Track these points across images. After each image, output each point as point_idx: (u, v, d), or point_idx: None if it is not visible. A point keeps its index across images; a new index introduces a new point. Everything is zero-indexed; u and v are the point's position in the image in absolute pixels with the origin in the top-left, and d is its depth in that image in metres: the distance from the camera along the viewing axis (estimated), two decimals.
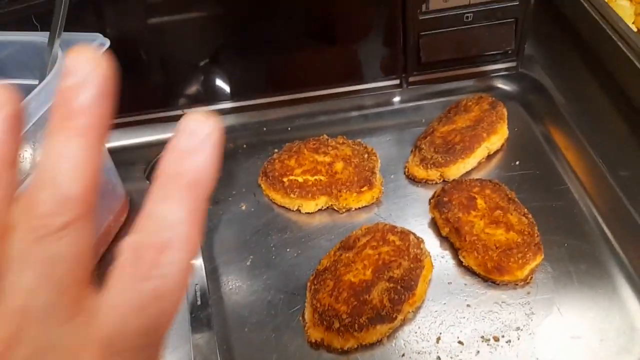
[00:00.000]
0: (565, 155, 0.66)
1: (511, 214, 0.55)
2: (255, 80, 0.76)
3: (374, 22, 0.70)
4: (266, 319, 0.54)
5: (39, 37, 0.53)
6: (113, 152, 0.76)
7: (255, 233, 0.63)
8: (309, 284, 0.54)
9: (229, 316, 0.55)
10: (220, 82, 0.77)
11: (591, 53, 0.70)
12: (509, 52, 0.72)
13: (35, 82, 0.52)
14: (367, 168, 0.64)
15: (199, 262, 0.57)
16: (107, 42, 0.52)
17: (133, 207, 0.68)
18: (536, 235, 0.53)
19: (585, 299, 0.51)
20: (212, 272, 0.59)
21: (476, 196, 0.57)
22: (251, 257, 0.60)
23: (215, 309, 0.55)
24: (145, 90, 0.76)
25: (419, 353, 0.49)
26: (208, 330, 0.50)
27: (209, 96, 0.77)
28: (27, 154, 0.51)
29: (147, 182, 0.68)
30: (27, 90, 0.50)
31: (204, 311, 0.52)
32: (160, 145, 0.76)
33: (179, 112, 0.77)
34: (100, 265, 0.61)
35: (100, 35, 0.52)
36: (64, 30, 0.50)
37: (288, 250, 0.60)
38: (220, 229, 0.64)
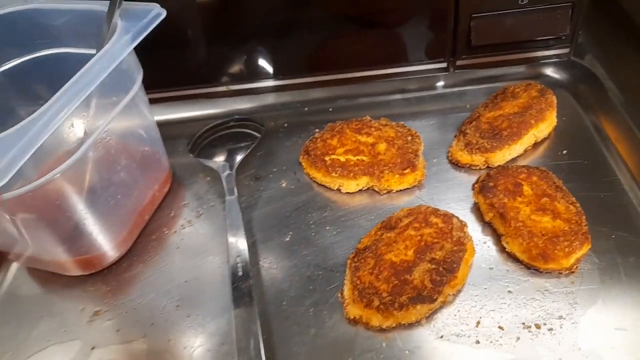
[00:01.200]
0: (617, 146, 0.64)
1: (558, 202, 0.54)
2: (297, 59, 0.76)
3: (425, 3, 0.68)
4: (304, 294, 0.54)
5: (96, 6, 0.54)
6: (159, 125, 0.78)
7: (295, 210, 0.63)
8: (349, 262, 0.54)
9: (267, 290, 0.55)
10: (262, 61, 0.77)
11: None
12: (563, 37, 0.70)
13: (92, 51, 0.53)
14: (410, 150, 0.63)
15: (240, 233, 0.57)
16: (164, 13, 0.53)
17: (175, 180, 0.70)
18: (584, 224, 0.52)
19: (632, 292, 0.50)
20: (252, 246, 0.60)
21: (523, 182, 0.56)
22: (290, 233, 0.61)
23: (255, 281, 0.56)
24: (191, 67, 0.76)
25: (457, 336, 0.49)
26: (249, 301, 0.51)
27: (251, 74, 0.77)
28: (80, 121, 0.52)
29: (190, 155, 0.69)
30: (81, 59, 0.52)
31: (245, 282, 0.52)
32: (203, 120, 0.78)
33: (222, 88, 0.77)
34: (145, 233, 0.63)
35: (158, 5, 0.53)
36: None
37: (327, 228, 0.60)
38: (260, 205, 0.65)
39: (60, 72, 0.57)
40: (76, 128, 0.49)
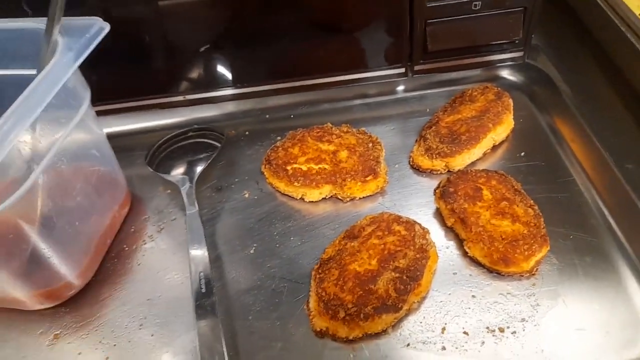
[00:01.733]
0: (571, 146, 0.65)
1: (517, 205, 0.55)
2: (257, 66, 0.75)
3: (380, 10, 0.68)
4: (270, 307, 0.54)
5: (32, 24, 0.51)
6: (114, 137, 0.75)
7: (259, 221, 0.62)
8: (313, 273, 0.54)
9: (232, 304, 0.54)
10: (222, 69, 0.75)
11: (598, 44, 0.69)
12: (516, 41, 0.71)
13: (32, 71, 0.50)
14: (371, 157, 0.63)
15: (202, 250, 0.56)
16: (107, 27, 0.50)
17: (135, 193, 0.68)
18: (542, 227, 0.53)
19: (591, 291, 0.51)
20: (216, 260, 0.58)
21: (482, 187, 0.57)
22: (254, 245, 0.60)
23: (219, 297, 0.55)
24: (146, 76, 0.74)
25: (424, 343, 0.49)
26: (213, 317, 0.50)
27: (210, 82, 0.76)
28: (27, 139, 0.50)
29: (148, 168, 0.67)
30: (17, 81, 0.49)
31: (209, 299, 0.51)
32: (161, 130, 0.76)
33: (180, 98, 0.76)
34: (105, 260, 0.60)
35: (99, 19, 0.51)
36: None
37: (292, 238, 0.60)
38: (223, 217, 0.63)
39: (3, 95, 0.54)
40: (22, 155, 0.46)
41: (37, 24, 0.51)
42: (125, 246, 0.62)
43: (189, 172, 0.66)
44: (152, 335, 0.53)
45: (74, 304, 0.57)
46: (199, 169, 0.66)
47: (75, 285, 0.56)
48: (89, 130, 0.57)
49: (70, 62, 0.48)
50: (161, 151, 0.70)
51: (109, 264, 0.60)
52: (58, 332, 0.54)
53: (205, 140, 0.72)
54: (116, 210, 0.61)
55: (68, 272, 0.54)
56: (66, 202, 0.52)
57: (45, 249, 0.51)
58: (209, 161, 0.67)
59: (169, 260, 0.60)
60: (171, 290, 0.56)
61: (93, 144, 0.58)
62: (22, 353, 0.53)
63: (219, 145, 0.70)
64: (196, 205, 0.61)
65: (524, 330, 0.48)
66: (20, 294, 0.52)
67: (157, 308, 0.55)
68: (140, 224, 0.64)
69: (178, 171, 0.67)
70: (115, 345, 0.53)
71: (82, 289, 0.58)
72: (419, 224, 0.55)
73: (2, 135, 0.40)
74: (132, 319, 0.55)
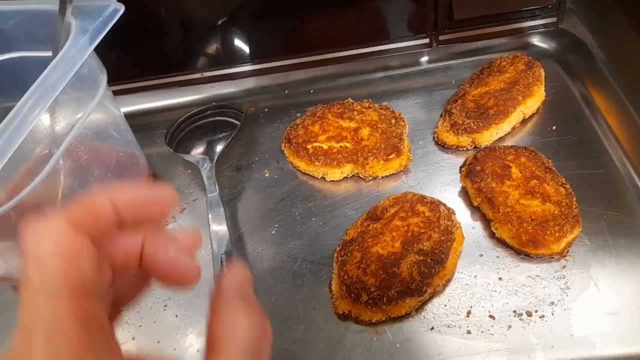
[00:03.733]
0: (607, 118, 0.62)
1: (548, 184, 0.53)
2: (275, 40, 0.73)
3: None
4: (292, 289, 0.53)
5: (47, 5, 0.50)
6: (134, 116, 0.75)
7: (280, 201, 0.62)
8: (335, 255, 0.53)
9: (254, 285, 0.53)
10: (239, 44, 0.73)
11: (635, 6, 0.64)
12: (549, 6, 0.67)
13: (48, 53, 0.49)
14: (394, 134, 0.61)
15: (223, 230, 0.56)
16: (122, 8, 0.49)
17: (156, 173, 0.67)
18: (574, 206, 0.51)
19: (623, 275, 0.49)
20: (237, 241, 0.58)
21: (511, 164, 0.55)
22: (276, 226, 0.59)
23: None
24: (163, 54, 0.73)
25: (448, 327, 0.48)
26: None
27: (228, 58, 0.74)
28: (46, 123, 0.50)
29: (168, 148, 0.66)
30: (38, 62, 0.48)
31: None
32: (180, 108, 0.75)
33: (197, 75, 0.74)
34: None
35: (114, 0, 0.49)
36: None
37: (313, 219, 0.59)
38: (244, 197, 0.63)
39: (19, 78, 0.54)
40: (40, 139, 0.46)
41: (53, 5, 0.50)
42: None
43: (208, 151, 0.66)
44: (176, 317, 0.53)
45: None
46: (219, 148, 0.65)
47: None
48: (107, 111, 0.56)
49: (86, 45, 0.47)
50: (180, 130, 0.69)
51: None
52: None
53: (225, 118, 0.70)
54: None
55: None
56: (85, 188, 0.52)
57: None
58: (228, 140, 0.66)
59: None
60: None
61: (112, 125, 0.57)
62: None
63: (238, 123, 0.68)
64: (216, 186, 0.60)
65: (552, 314, 0.47)
66: None
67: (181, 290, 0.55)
68: None
69: (198, 151, 0.67)
70: (140, 326, 0.53)
71: None
72: (444, 204, 0.54)
73: (21, 118, 0.40)
74: (157, 300, 0.55)
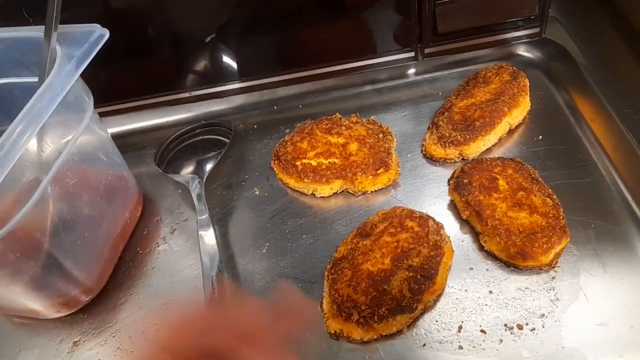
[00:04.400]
0: (592, 126, 0.62)
1: (535, 195, 0.53)
2: (263, 57, 0.73)
3: None
4: None
5: (33, 32, 0.50)
6: (123, 136, 0.75)
7: (270, 219, 0.62)
8: (326, 273, 0.53)
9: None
10: (228, 61, 0.74)
11: (620, 14, 0.65)
12: (532, 17, 0.67)
13: (34, 79, 0.50)
14: (382, 148, 0.61)
15: (214, 251, 0.56)
16: (107, 33, 0.49)
17: (147, 194, 0.67)
18: (561, 217, 0.51)
19: (614, 283, 0.49)
20: (228, 260, 0.58)
21: (498, 177, 0.55)
22: (267, 244, 0.59)
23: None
24: (152, 74, 0.73)
25: (440, 342, 0.48)
26: None
27: (217, 76, 0.74)
28: (33, 149, 0.50)
29: (158, 168, 0.66)
30: (25, 88, 0.49)
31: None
32: (169, 127, 0.75)
33: (186, 94, 0.74)
34: (120, 264, 0.61)
35: (98, 26, 0.50)
36: (60, 23, 0.48)
37: (304, 236, 0.59)
38: (234, 215, 0.63)
39: (5, 103, 0.54)
40: (27, 167, 0.46)
41: (38, 32, 0.50)
42: (139, 249, 0.62)
43: (198, 171, 0.66)
44: None
45: (92, 310, 0.57)
46: (208, 167, 0.66)
47: (90, 293, 0.57)
48: (94, 134, 0.56)
49: (71, 71, 0.47)
50: (170, 150, 0.69)
51: (124, 268, 0.61)
52: (77, 339, 0.55)
53: (214, 136, 0.71)
54: (127, 216, 0.61)
55: (81, 280, 0.55)
56: (74, 214, 0.52)
57: (57, 260, 0.51)
58: (218, 159, 0.66)
59: (183, 262, 0.60)
60: (186, 294, 0.57)
61: (100, 148, 0.58)
62: None
63: (227, 141, 0.69)
64: (206, 207, 0.60)
65: (543, 326, 0.47)
66: (37, 304, 0.53)
67: (172, 312, 0.55)
68: (152, 226, 0.64)
69: (188, 170, 0.67)
70: (132, 351, 0.53)
71: (100, 294, 0.58)
72: (433, 219, 0.54)
73: (8, 148, 0.40)
74: (149, 324, 0.55)
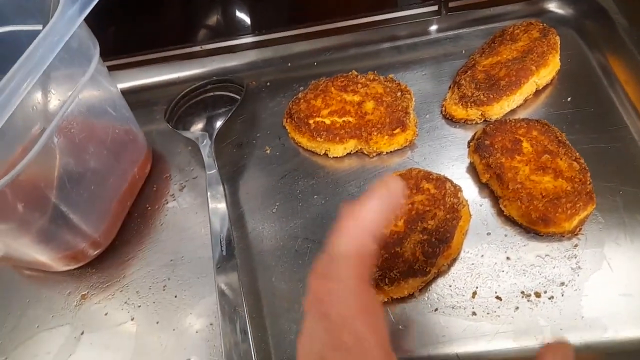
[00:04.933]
0: (626, 89, 0.58)
1: (561, 159, 0.50)
2: (277, 11, 0.70)
3: None
4: (294, 269, 0.52)
5: None
6: (133, 92, 0.73)
7: (281, 179, 0.60)
8: None
9: (255, 265, 0.53)
10: (240, 15, 0.71)
11: None
12: None
13: (39, 27, 0.48)
14: (399, 108, 0.58)
15: (222, 209, 0.54)
16: None
17: (156, 150, 0.66)
18: (588, 182, 0.48)
19: (639, 254, 0.46)
20: (238, 219, 0.57)
21: (522, 138, 0.52)
22: (277, 204, 0.57)
23: (242, 257, 0.54)
24: (163, 26, 0.71)
25: (453, 308, 0.46)
26: (234, 281, 0.49)
27: (229, 30, 0.71)
28: (39, 99, 0.48)
29: (168, 124, 0.65)
30: (32, 36, 0.47)
31: (229, 262, 0.50)
32: (180, 83, 0.73)
33: (197, 48, 0.72)
34: (128, 220, 0.60)
35: None
36: None
37: (315, 197, 0.57)
38: (244, 174, 0.61)
39: (11, 52, 0.52)
40: (35, 117, 0.45)
41: None
42: (148, 205, 0.61)
43: (208, 127, 0.64)
44: (175, 297, 0.53)
45: (100, 264, 0.57)
46: (218, 124, 0.64)
47: (98, 247, 0.56)
48: (101, 87, 0.54)
49: (75, 15, 0.45)
50: (180, 106, 0.67)
51: (133, 224, 0.60)
52: (85, 292, 0.55)
53: (225, 93, 0.68)
54: (135, 172, 0.60)
55: (88, 234, 0.54)
56: (80, 167, 0.51)
57: (64, 213, 0.50)
58: (228, 116, 0.64)
59: (191, 219, 0.59)
60: (194, 251, 0.56)
61: (107, 101, 0.56)
62: (52, 313, 0.54)
63: (238, 98, 0.66)
64: (215, 164, 0.59)
65: (562, 295, 0.45)
66: (45, 257, 0.53)
67: (180, 269, 0.55)
68: (162, 183, 0.63)
69: (197, 127, 0.65)
70: (140, 306, 0.53)
71: (108, 249, 0.58)
72: (450, 181, 0.51)
73: (8, 93, 0.39)
74: (156, 280, 0.54)
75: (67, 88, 0.49)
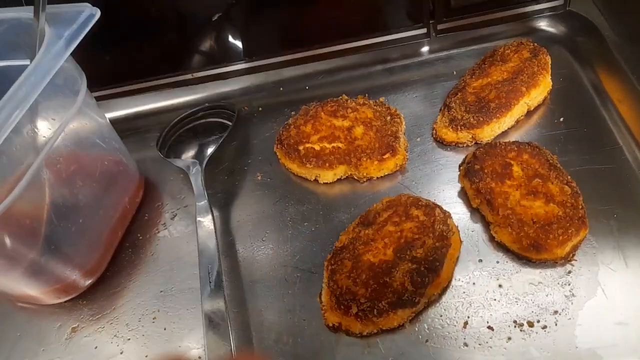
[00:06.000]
0: (619, 108, 0.57)
1: (552, 183, 0.49)
2: (268, 36, 0.70)
3: None
4: (284, 299, 0.51)
5: (25, 13, 0.49)
6: (125, 120, 0.74)
7: (272, 205, 0.59)
8: (326, 264, 0.50)
9: (245, 295, 0.52)
10: (232, 41, 0.71)
11: None
12: None
13: (27, 62, 0.48)
14: (389, 132, 0.58)
15: (212, 242, 0.54)
16: (97, 13, 0.47)
17: (149, 178, 0.66)
18: (580, 207, 0.47)
19: (636, 278, 0.45)
20: (229, 247, 0.57)
21: (512, 162, 0.51)
22: (267, 231, 0.57)
23: (232, 286, 0.53)
24: (154, 55, 0.71)
25: (444, 338, 0.45)
26: (222, 312, 0.48)
27: (221, 57, 0.72)
28: (27, 133, 0.48)
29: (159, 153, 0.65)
30: (21, 71, 0.47)
31: (217, 294, 0.49)
32: (174, 110, 0.73)
33: (189, 75, 0.72)
34: (119, 250, 0.60)
35: (89, 4, 0.48)
36: (49, 3, 0.46)
37: (305, 224, 0.57)
38: (236, 201, 0.61)
39: (1, 87, 0.53)
40: (20, 152, 0.45)
41: (29, 12, 0.48)
42: (139, 235, 0.61)
43: (199, 155, 0.64)
44: (164, 329, 0.52)
45: (91, 296, 0.57)
46: (209, 151, 0.63)
47: (88, 279, 0.56)
48: (89, 119, 0.55)
49: (60, 52, 0.46)
50: (172, 134, 0.68)
51: (124, 254, 0.60)
52: (75, 325, 0.55)
53: (217, 119, 0.68)
54: (127, 202, 0.60)
55: (79, 267, 0.54)
56: (68, 200, 0.51)
57: (54, 247, 0.50)
58: (219, 143, 0.64)
59: (183, 249, 0.58)
60: (184, 282, 0.55)
61: (96, 134, 0.56)
62: (42, 346, 0.54)
63: (230, 124, 0.66)
64: (205, 193, 0.58)
65: (556, 324, 0.44)
66: (34, 291, 0.52)
67: (170, 301, 0.54)
68: (153, 212, 0.63)
69: (189, 154, 0.65)
70: (129, 339, 0.52)
71: (99, 279, 0.57)
72: (440, 208, 0.50)
73: None
74: (146, 311, 0.54)
75: (54, 121, 0.49)
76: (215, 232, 0.55)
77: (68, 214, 0.51)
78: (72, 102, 0.51)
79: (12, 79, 0.54)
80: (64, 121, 0.50)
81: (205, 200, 0.57)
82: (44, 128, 0.48)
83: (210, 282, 0.50)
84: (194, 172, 0.60)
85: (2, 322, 0.57)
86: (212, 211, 0.57)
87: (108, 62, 0.70)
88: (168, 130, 0.67)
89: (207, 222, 0.55)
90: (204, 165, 0.61)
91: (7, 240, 0.47)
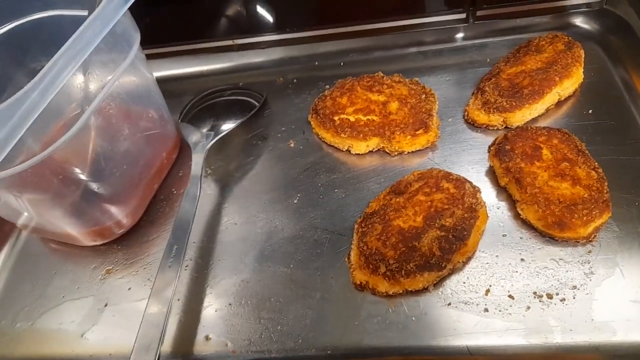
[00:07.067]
0: None
1: (579, 167, 0.51)
2: (306, 10, 0.72)
3: None
4: (312, 257, 0.54)
5: None
6: (164, 81, 0.75)
7: (304, 172, 0.62)
8: (356, 227, 0.53)
9: (275, 252, 0.55)
10: (269, 12, 0.73)
11: None
12: None
13: (83, 12, 0.50)
14: (423, 109, 0.60)
15: (185, 232, 0.53)
16: None
17: (183, 143, 0.68)
18: (605, 191, 0.49)
19: None
20: (262, 209, 0.59)
21: (542, 146, 0.53)
22: (298, 195, 0.59)
23: (262, 245, 0.55)
24: (195, 19, 0.73)
25: (465, 303, 0.48)
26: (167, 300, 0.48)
27: (258, 27, 0.74)
28: (79, 81, 0.51)
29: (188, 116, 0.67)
30: (75, 21, 0.49)
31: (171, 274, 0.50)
32: (207, 76, 0.76)
33: (228, 42, 0.74)
34: (154, 202, 0.62)
35: None
36: None
37: (336, 191, 0.59)
38: (267, 166, 0.63)
39: (56, 35, 0.55)
40: (74, 97, 0.47)
41: None
42: (173, 189, 0.63)
43: (216, 128, 0.65)
44: (196, 277, 0.55)
45: (125, 242, 0.59)
46: (229, 126, 0.64)
47: (124, 225, 0.58)
48: (139, 73, 0.57)
49: (120, 3, 0.47)
50: (200, 104, 0.69)
51: (158, 206, 0.62)
52: (110, 267, 0.57)
53: (245, 98, 0.70)
54: (164, 157, 0.62)
55: (117, 212, 0.56)
56: (115, 147, 0.54)
57: (95, 190, 0.53)
58: (241, 120, 0.66)
59: (215, 205, 0.61)
60: (215, 235, 0.58)
61: (144, 88, 0.58)
62: (77, 284, 0.57)
63: (257, 104, 0.68)
64: (203, 167, 0.59)
65: (574, 297, 0.46)
66: (74, 230, 0.55)
67: (202, 251, 0.57)
68: (188, 169, 0.65)
69: (209, 127, 0.66)
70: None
71: (133, 228, 0.60)
72: (470, 182, 0.53)
73: (53, 75, 0.41)
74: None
75: (108, 72, 0.51)
76: (194, 216, 0.55)
77: (113, 159, 0.54)
78: (126, 54, 0.53)
79: (66, 27, 0.57)
80: (118, 72, 0.52)
81: (200, 172, 0.58)
82: (98, 77, 0.50)
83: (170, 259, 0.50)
84: (198, 149, 0.61)
85: (37, 261, 0.60)
86: (201, 185, 0.57)
87: (150, 22, 0.72)
88: (191, 104, 0.69)
89: (191, 205, 0.55)
90: (212, 139, 0.62)
91: (54, 179, 0.49)
